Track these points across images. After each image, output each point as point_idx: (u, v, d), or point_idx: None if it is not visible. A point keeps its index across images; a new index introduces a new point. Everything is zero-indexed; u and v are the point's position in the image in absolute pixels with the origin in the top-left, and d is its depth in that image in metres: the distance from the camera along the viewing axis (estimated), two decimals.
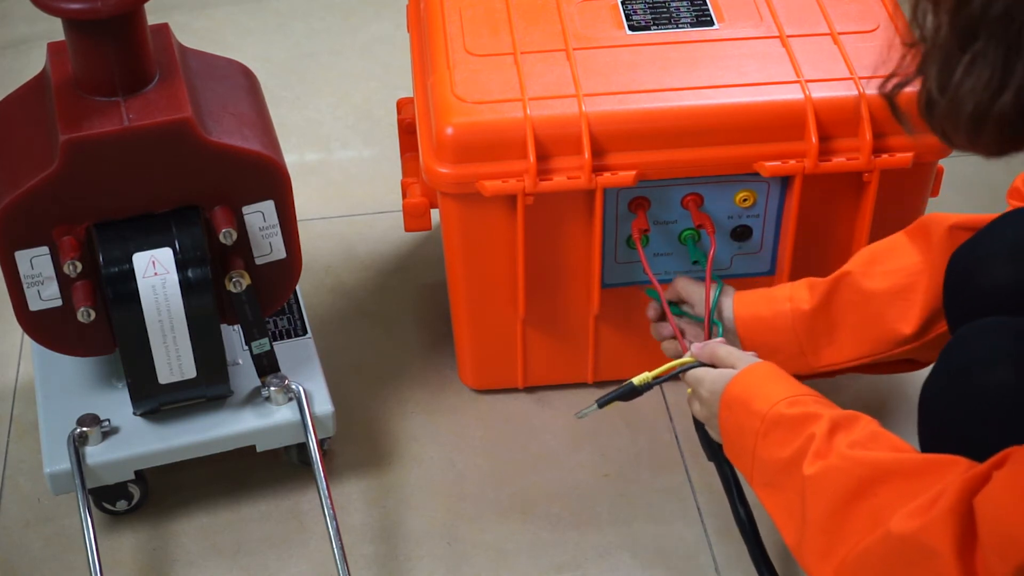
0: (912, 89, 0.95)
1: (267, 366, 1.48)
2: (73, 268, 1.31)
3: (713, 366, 1.31)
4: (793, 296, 1.39)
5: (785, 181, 1.47)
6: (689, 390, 1.34)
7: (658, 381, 1.35)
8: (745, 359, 1.27)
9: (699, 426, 1.36)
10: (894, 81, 0.96)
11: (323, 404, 1.48)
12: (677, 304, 1.49)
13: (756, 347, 1.39)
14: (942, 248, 1.28)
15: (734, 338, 1.42)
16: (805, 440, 1.13)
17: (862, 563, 1.06)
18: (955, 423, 1.11)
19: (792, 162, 1.43)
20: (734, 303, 1.42)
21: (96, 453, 1.43)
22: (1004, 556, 0.95)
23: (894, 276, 1.33)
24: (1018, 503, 0.95)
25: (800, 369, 1.38)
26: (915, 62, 0.92)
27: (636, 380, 1.35)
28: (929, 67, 0.90)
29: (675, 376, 1.34)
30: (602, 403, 1.37)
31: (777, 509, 1.17)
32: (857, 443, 1.11)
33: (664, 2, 1.56)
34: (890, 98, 0.97)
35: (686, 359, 1.33)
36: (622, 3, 1.56)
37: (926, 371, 1.18)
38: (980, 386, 1.09)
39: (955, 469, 1.03)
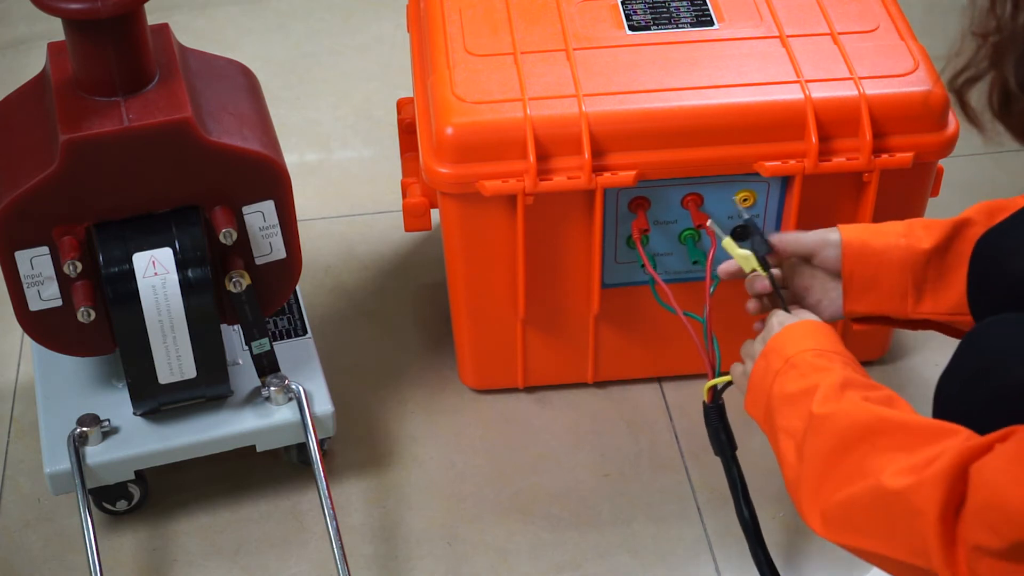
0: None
1: (267, 366, 1.48)
2: (73, 268, 1.31)
3: None
4: (909, 233, 1.30)
5: (785, 181, 1.47)
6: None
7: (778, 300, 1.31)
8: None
9: (708, 420, 1.36)
10: (965, 75, 0.89)
11: (323, 404, 1.48)
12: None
13: (857, 277, 1.31)
14: None
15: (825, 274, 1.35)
16: (813, 384, 1.12)
17: (848, 508, 1.06)
18: (971, 416, 1.09)
19: (792, 162, 1.43)
20: (840, 230, 1.32)
21: (96, 453, 1.43)
22: (997, 530, 0.94)
23: None
24: (1018, 478, 0.93)
25: (892, 310, 1.31)
26: (989, 55, 0.87)
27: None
28: (1006, 60, 0.85)
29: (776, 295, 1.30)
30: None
31: (779, 444, 1.16)
32: (870, 398, 1.10)
33: (664, 2, 1.56)
34: (960, 95, 0.91)
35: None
36: (622, 3, 1.56)
37: (945, 360, 1.16)
38: (999, 381, 1.07)
39: (957, 435, 1.02)
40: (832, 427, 1.09)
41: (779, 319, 1.26)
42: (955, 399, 1.12)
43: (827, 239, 1.32)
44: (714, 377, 1.34)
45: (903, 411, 1.10)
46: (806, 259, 1.35)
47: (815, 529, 1.10)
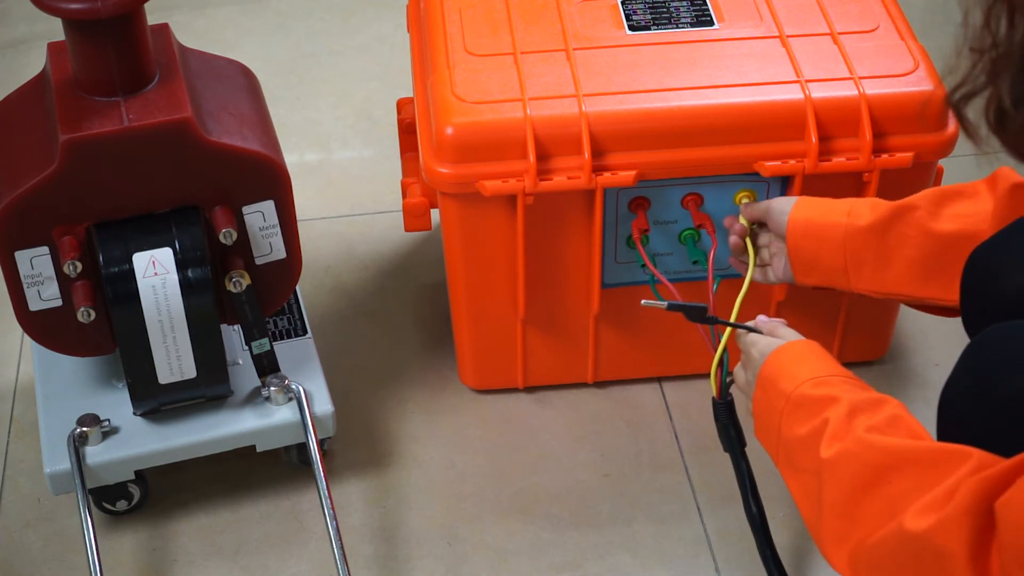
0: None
1: (267, 366, 1.48)
2: (73, 268, 1.31)
3: None
4: (852, 211, 1.35)
5: (785, 181, 1.47)
6: (715, 376, 1.33)
7: (723, 322, 1.34)
8: (795, 338, 1.26)
9: (717, 417, 1.36)
10: (961, 91, 0.89)
11: (323, 404, 1.48)
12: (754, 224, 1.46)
13: (801, 252, 1.36)
14: (1004, 202, 1.23)
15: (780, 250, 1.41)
16: (821, 422, 1.13)
17: (875, 554, 1.06)
18: (975, 426, 1.09)
19: (792, 162, 1.43)
20: (793, 207, 1.38)
21: (96, 453, 1.43)
22: None
23: (963, 220, 1.28)
24: None
25: (838, 284, 1.36)
26: (985, 70, 0.86)
27: (710, 310, 1.35)
28: (1002, 76, 0.84)
29: (735, 327, 1.33)
30: (671, 306, 1.35)
31: (796, 488, 1.16)
32: (875, 427, 1.10)
33: (664, 2, 1.56)
34: (957, 110, 0.91)
35: (750, 324, 1.32)
36: (622, 3, 1.56)
37: (944, 360, 1.16)
38: (1003, 392, 1.07)
39: (969, 460, 1.02)
40: (845, 471, 1.09)
41: (759, 349, 1.26)
42: (958, 408, 1.12)
43: (775, 209, 1.39)
44: (722, 375, 1.34)
45: (908, 434, 1.10)
46: (763, 223, 1.44)
47: (843, 574, 1.10)
